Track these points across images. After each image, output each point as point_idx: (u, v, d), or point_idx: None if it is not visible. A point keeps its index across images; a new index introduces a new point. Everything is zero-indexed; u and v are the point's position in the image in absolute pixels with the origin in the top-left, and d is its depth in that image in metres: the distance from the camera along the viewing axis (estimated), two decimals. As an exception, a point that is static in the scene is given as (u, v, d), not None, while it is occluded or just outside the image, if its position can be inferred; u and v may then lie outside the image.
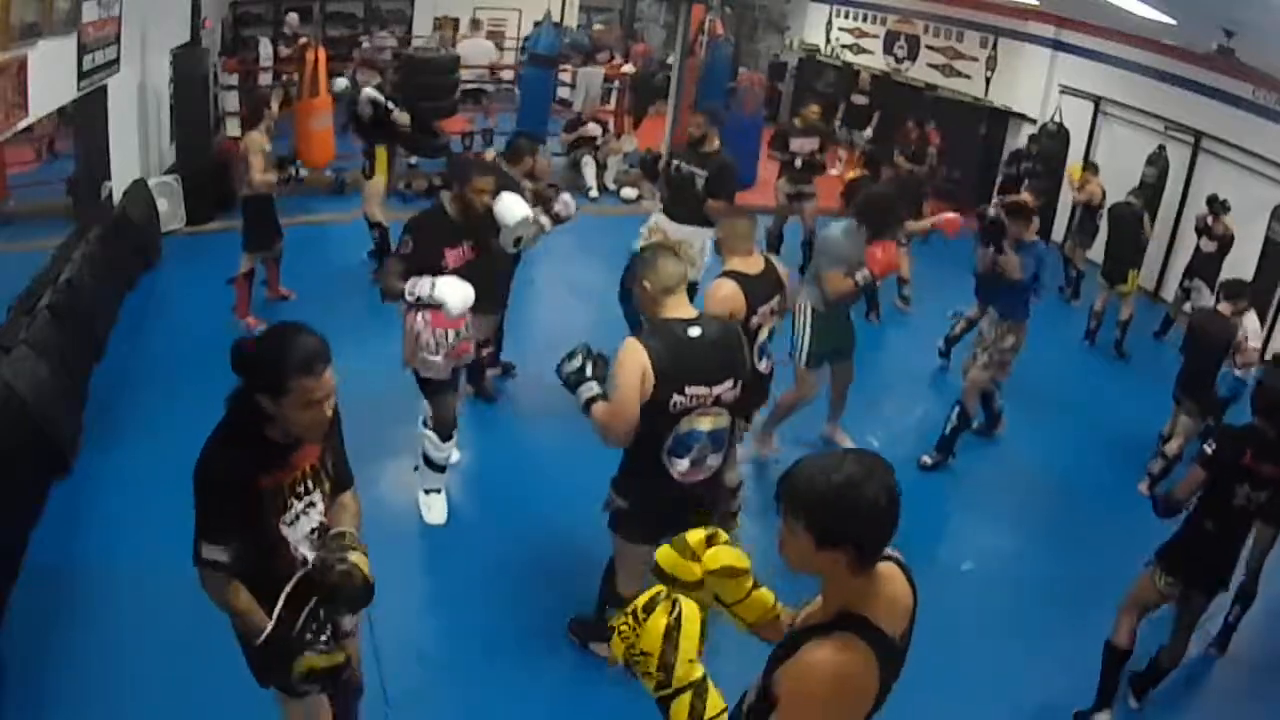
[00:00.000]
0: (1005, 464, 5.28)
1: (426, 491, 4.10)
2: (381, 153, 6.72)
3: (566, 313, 6.49)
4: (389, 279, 3.69)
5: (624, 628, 1.67)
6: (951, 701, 3.24)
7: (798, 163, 7.45)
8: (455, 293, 3.56)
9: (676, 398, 2.67)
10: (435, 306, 3.59)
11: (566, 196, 4.78)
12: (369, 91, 6.63)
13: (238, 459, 2.01)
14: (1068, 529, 4.71)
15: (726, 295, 3.59)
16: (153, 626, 3.23)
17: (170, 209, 7.14)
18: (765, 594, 1.82)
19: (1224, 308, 5.17)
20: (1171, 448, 5.16)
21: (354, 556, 2.07)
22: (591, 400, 2.75)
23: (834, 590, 1.64)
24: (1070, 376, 6.53)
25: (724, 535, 1.79)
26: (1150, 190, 8.37)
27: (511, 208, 3.95)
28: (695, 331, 2.71)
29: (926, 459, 5.06)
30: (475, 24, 11.66)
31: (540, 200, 4.70)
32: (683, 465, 2.77)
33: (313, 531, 2.21)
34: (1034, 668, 3.66)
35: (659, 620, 1.64)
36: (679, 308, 2.78)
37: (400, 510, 4.14)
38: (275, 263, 6.10)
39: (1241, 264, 7.07)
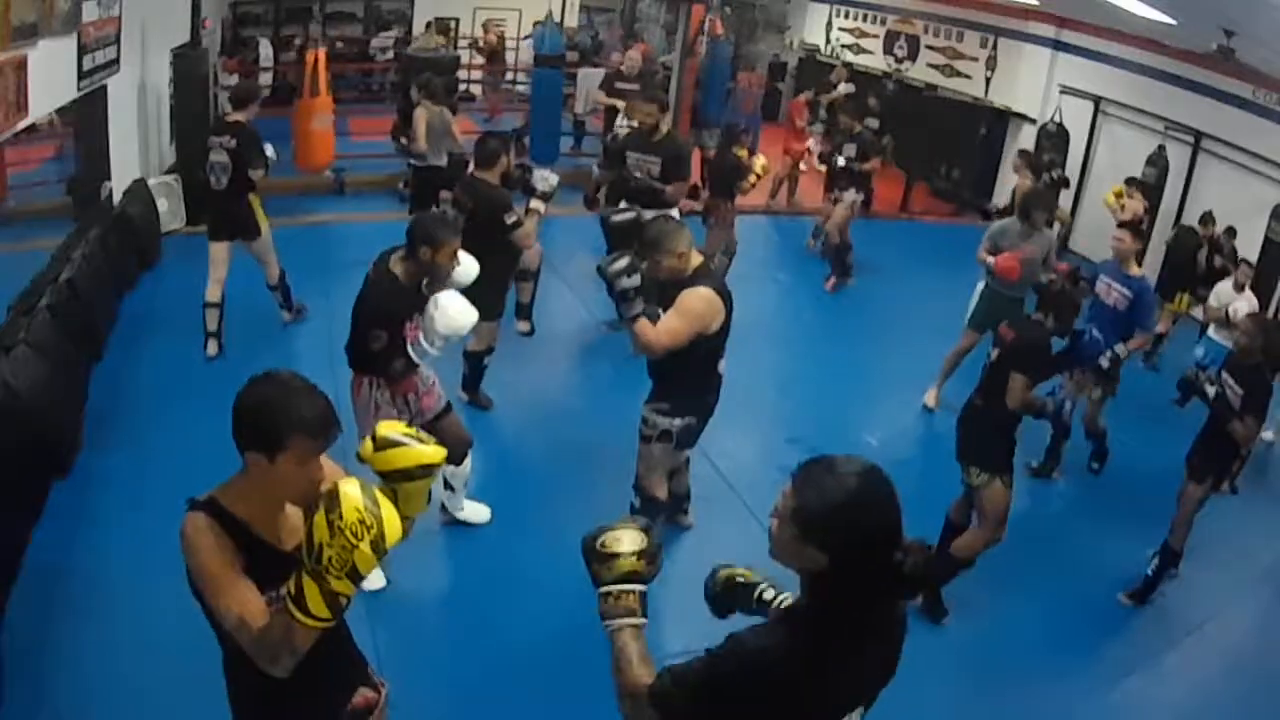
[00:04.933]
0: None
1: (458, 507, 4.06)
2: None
3: (566, 310, 6.51)
4: (390, 366, 3.39)
5: (358, 530, 1.50)
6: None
7: (839, 162, 7.52)
8: (454, 309, 3.45)
9: (730, 318, 3.35)
10: (403, 370, 3.39)
11: (543, 172, 4.62)
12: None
13: None
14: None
15: None
16: (152, 626, 3.22)
17: (170, 209, 7.14)
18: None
19: None
20: None
21: None
22: (637, 316, 3.16)
23: None
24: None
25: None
26: (1151, 191, 8.39)
27: (452, 316, 3.50)
28: (714, 268, 3.44)
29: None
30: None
31: (519, 185, 4.61)
32: (723, 365, 3.50)
33: None
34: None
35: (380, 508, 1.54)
36: (697, 257, 3.36)
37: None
38: None
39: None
